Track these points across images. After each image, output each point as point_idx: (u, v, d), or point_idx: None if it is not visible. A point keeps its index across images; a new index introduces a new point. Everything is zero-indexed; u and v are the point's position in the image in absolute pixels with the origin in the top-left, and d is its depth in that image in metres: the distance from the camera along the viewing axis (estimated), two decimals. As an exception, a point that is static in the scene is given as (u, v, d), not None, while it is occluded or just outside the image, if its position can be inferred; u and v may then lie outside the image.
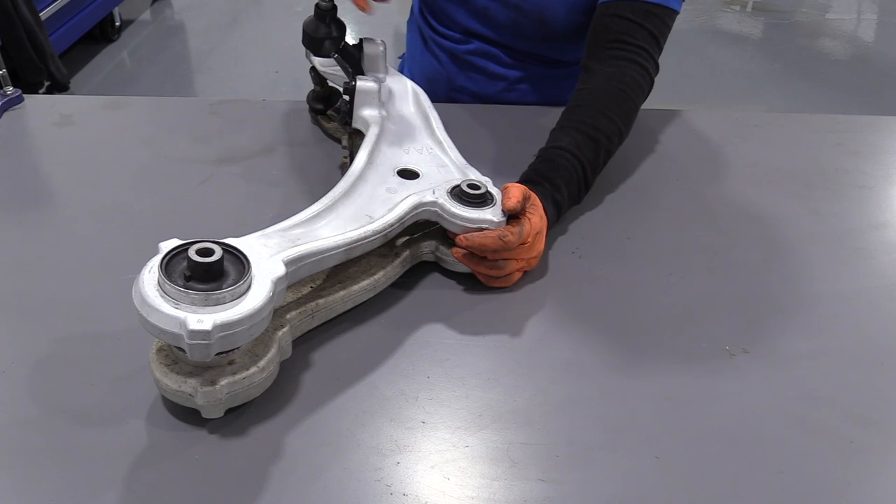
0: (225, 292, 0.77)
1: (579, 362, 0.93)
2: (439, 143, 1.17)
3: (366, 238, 0.94)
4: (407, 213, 0.99)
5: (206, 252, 0.78)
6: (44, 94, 3.68)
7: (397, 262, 1.01)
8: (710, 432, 0.84)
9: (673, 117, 1.48)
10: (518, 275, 1.03)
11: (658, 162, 1.32)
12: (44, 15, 3.71)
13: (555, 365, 0.92)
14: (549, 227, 1.06)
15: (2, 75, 1.46)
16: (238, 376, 0.81)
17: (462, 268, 1.03)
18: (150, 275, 0.78)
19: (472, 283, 1.04)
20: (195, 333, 0.74)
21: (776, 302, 1.03)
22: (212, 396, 0.80)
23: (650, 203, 1.22)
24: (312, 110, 1.43)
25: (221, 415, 0.82)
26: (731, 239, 1.14)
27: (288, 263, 0.84)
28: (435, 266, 1.06)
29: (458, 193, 1.02)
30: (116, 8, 4.57)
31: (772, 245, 1.13)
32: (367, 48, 1.23)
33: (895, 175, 1.31)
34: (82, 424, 0.83)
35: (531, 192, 1.03)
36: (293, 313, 0.90)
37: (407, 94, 1.27)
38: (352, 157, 1.20)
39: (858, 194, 1.26)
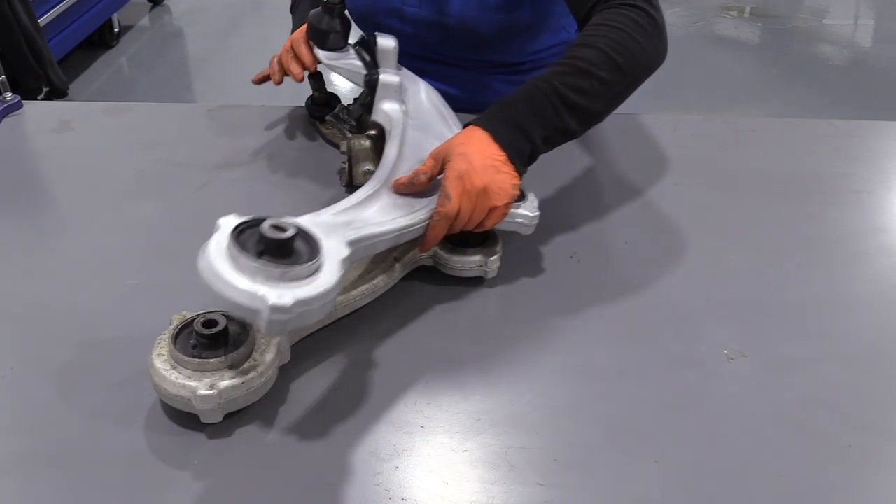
0: (303, 268, 0.76)
1: (577, 366, 0.93)
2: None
3: (416, 224, 0.96)
4: None
5: (281, 228, 0.77)
6: (43, 100, 3.68)
7: (396, 266, 1.01)
8: (708, 436, 0.84)
9: (671, 122, 1.48)
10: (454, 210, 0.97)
11: (656, 167, 1.32)
12: (42, 21, 3.71)
13: (553, 369, 0.92)
14: (508, 147, 0.99)
15: (1, 81, 1.46)
16: (237, 381, 0.81)
17: (462, 273, 1.04)
18: (221, 249, 0.76)
19: (470, 287, 1.04)
20: (276, 309, 0.72)
21: (774, 306, 1.03)
22: (211, 401, 0.80)
23: (648, 208, 1.22)
24: (311, 116, 1.43)
25: (220, 419, 0.82)
26: (730, 243, 1.14)
27: (350, 244, 0.84)
28: (434, 271, 1.06)
29: None
30: (115, 14, 4.57)
31: (770, 249, 1.13)
32: (381, 43, 1.23)
33: (893, 180, 1.32)
34: (81, 429, 0.84)
35: (440, 150, 1.01)
36: (292, 318, 0.90)
37: (420, 92, 1.26)
38: (350, 162, 1.20)
39: (856, 199, 1.26)
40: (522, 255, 1.10)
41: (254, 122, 1.46)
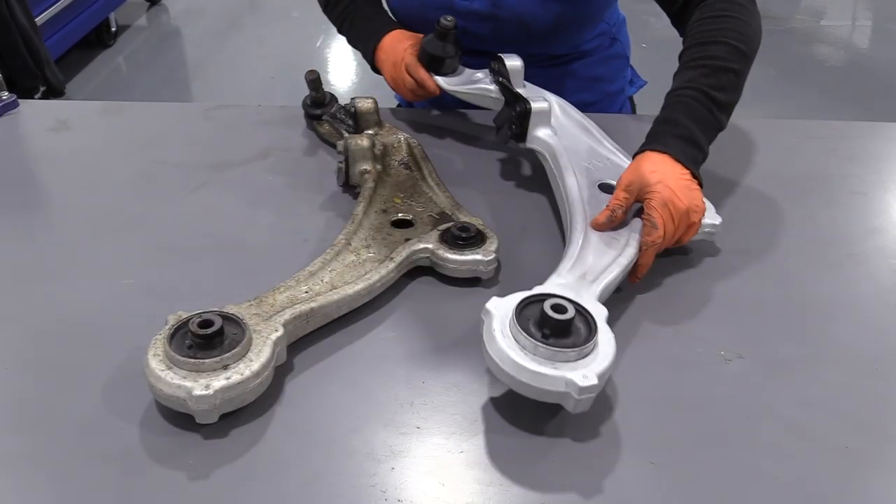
0: (591, 343, 0.80)
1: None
2: (611, 151, 1.19)
3: (633, 260, 0.99)
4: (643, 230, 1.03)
5: (562, 308, 0.81)
6: (39, 99, 3.67)
7: (392, 266, 1.01)
8: (705, 438, 0.84)
9: (668, 123, 1.47)
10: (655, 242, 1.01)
11: (653, 167, 1.32)
12: (40, 20, 3.71)
13: (550, 370, 0.92)
14: (688, 162, 1.05)
15: (-3, 80, 1.46)
16: (233, 382, 0.80)
17: (458, 273, 1.03)
18: (509, 338, 0.81)
19: (466, 287, 1.04)
20: (586, 389, 0.77)
21: (771, 307, 1.03)
22: (206, 402, 0.79)
23: (645, 208, 1.22)
24: (308, 116, 1.43)
25: (216, 420, 0.82)
26: (726, 244, 1.14)
27: (600, 300, 0.90)
28: (430, 271, 1.06)
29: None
30: (112, 13, 4.56)
31: (767, 250, 1.13)
32: (509, 64, 1.24)
33: (889, 181, 1.32)
34: (76, 429, 0.83)
35: (630, 181, 1.04)
36: (288, 318, 0.90)
37: (555, 109, 1.25)
38: (347, 162, 1.19)
39: (853, 200, 1.26)
40: (518, 256, 1.10)
41: (251, 122, 1.46)
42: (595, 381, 0.77)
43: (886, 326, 1.00)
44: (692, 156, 1.07)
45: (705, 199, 1.07)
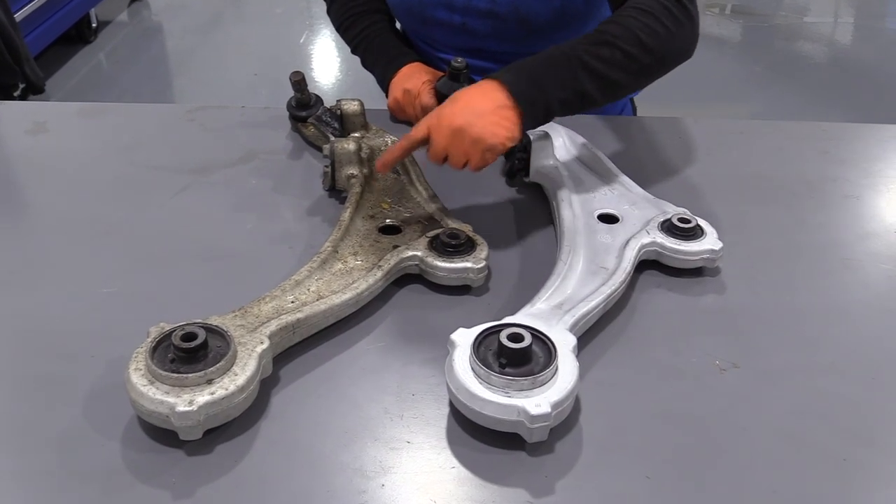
0: (547, 372, 0.80)
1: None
2: (618, 182, 1.19)
3: (618, 289, 0.98)
4: (636, 258, 1.03)
5: (518, 337, 0.81)
6: (19, 96, 3.63)
7: (381, 274, 0.99)
8: (700, 450, 0.82)
9: (656, 125, 1.46)
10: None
11: (642, 170, 1.30)
12: (19, 16, 3.66)
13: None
14: (517, 95, 1.04)
15: (-27, 81, 1.43)
16: (217, 397, 0.78)
17: (447, 280, 1.02)
18: (467, 368, 0.81)
19: (457, 296, 1.02)
20: (538, 418, 0.77)
21: (765, 315, 1.01)
22: (190, 418, 0.77)
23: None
24: (293, 117, 1.41)
25: (200, 436, 0.79)
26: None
27: (572, 330, 0.88)
28: (419, 279, 1.04)
29: (668, 227, 1.06)
30: (93, 9, 4.51)
31: (759, 256, 1.12)
32: None
33: (881, 184, 1.31)
34: (54, 445, 0.81)
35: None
36: (274, 329, 0.87)
37: (564, 140, 1.27)
38: (332, 166, 1.17)
39: (844, 204, 1.25)
40: (509, 264, 1.08)
41: (234, 124, 1.43)
42: (548, 410, 0.77)
43: (883, 334, 0.99)
44: (528, 95, 1.04)
45: (707, 224, 1.07)
